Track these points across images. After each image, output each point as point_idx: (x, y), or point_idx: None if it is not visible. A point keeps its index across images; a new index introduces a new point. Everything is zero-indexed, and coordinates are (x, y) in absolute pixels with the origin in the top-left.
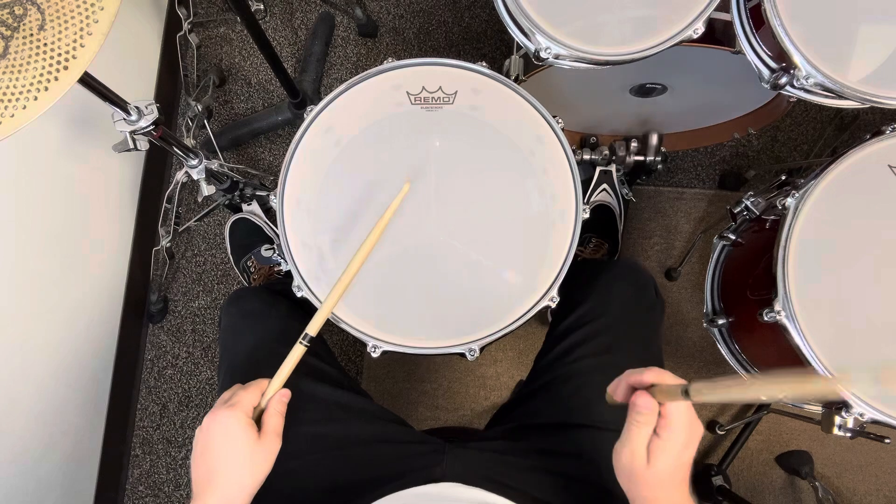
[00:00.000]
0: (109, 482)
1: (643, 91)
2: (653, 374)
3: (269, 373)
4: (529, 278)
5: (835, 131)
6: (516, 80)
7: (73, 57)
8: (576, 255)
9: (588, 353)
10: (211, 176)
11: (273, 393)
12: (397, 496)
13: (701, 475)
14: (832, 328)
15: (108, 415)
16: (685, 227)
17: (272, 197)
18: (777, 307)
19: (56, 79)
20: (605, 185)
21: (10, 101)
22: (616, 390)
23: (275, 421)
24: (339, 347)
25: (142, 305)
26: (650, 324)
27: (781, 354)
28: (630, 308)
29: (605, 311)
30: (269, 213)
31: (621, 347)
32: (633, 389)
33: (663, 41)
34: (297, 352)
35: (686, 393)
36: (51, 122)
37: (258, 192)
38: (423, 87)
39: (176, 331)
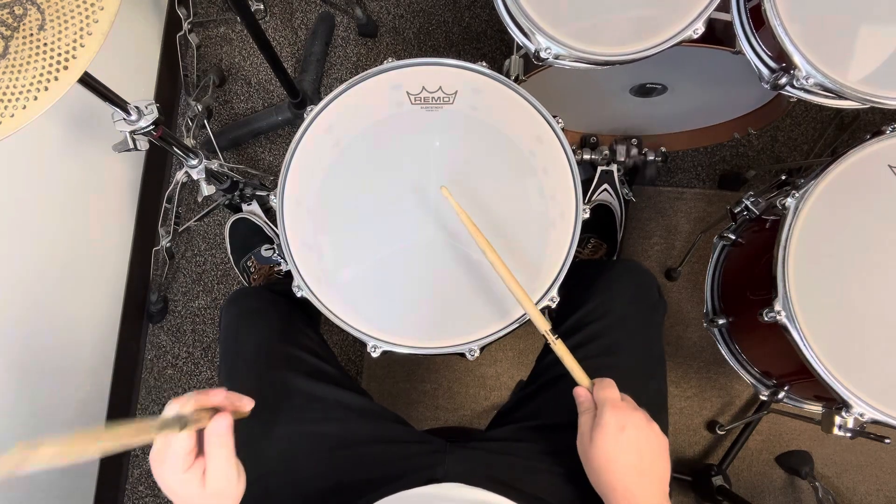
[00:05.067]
0: (109, 482)
1: (643, 91)
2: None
3: (269, 372)
4: (529, 278)
5: (835, 131)
6: (516, 80)
7: (73, 57)
8: (575, 256)
9: (590, 355)
10: (211, 176)
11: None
12: (399, 497)
13: (701, 475)
14: (832, 328)
15: (108, 415)
16: (685, 227)
17: (272, 197)
18: (777, 307)
19: (56, 79)
20: (606, 185)
21: (10, 101)
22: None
23: (218, 458)
24: (339, 347)
25: (142, 305)
26: (653, 325)
27: (781, 354)
28: (632, 309)
29: (607, 311)
30: (269, 213)
31: (623, 349)
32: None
33: (663, 41)
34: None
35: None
36: (51, 122)
37: (258, 192)
38: (423, 87)
39: (176, 331)
